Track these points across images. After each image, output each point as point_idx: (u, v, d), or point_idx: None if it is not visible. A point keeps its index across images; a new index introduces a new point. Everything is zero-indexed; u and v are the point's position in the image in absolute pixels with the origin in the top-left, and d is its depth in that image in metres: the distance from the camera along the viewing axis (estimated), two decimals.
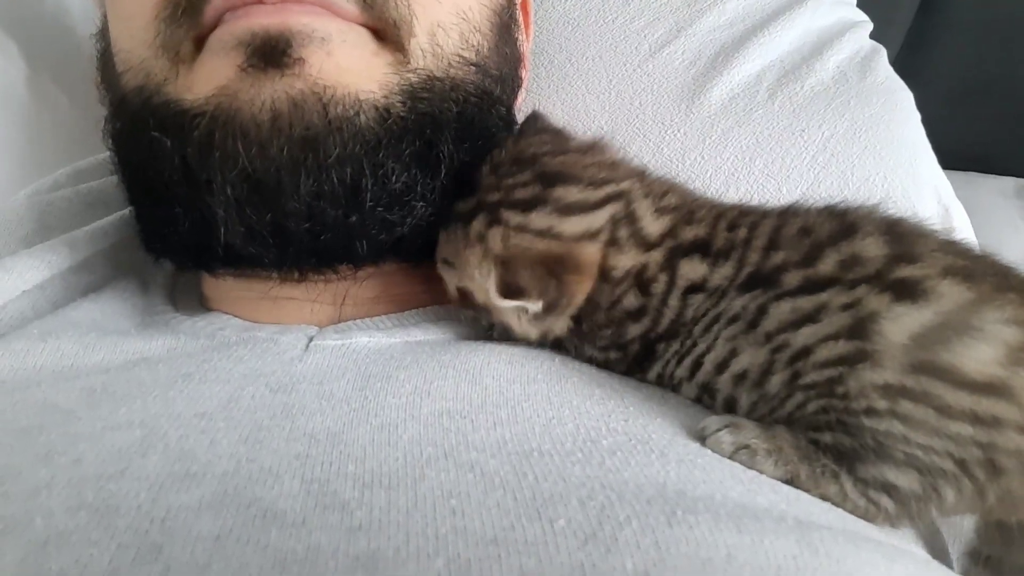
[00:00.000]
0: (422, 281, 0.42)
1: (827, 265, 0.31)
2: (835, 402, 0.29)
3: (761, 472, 0.30)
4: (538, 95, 0.57)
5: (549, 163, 0.38)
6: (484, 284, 0.35)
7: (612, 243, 0.35)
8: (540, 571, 0.22)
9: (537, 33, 0.58)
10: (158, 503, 0.25)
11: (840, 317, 0.29)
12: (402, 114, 0.37)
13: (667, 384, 0.35)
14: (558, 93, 0.57)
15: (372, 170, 0.36)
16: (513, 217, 0.35)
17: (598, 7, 0.59)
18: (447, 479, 0.26)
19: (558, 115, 0.56)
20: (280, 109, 0.34)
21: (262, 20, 0.34)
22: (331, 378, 0.33)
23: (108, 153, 0.43)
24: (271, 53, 0.34)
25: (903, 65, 0.83)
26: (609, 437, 0.29)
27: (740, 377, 0.32)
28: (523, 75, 0.50)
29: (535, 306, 0.35)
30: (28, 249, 0.41)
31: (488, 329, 0.40)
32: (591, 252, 0.35)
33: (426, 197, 0.38)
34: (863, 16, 0.62)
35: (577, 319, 0.36)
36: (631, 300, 0.35)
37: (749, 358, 0.32)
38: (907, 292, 0.29)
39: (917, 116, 0.55)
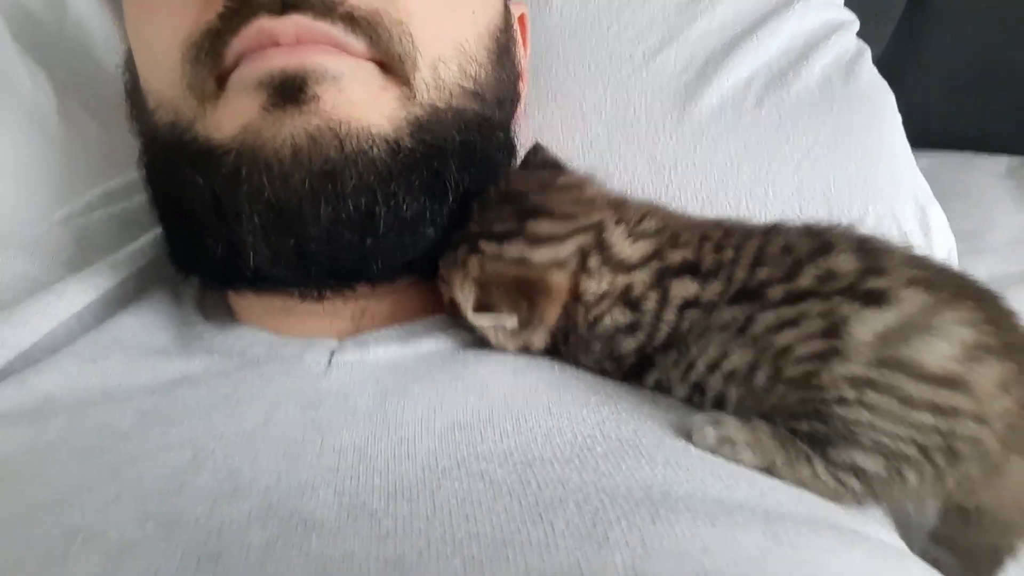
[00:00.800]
0: (432, 293, 0.46)
1: (806, 279, 0.35)
2: (811, 393, 0.33)
3: (741, 462, 0.34)
4: (536, 104, 0.59)
5: (530, 200, 0.42)
6: (466, 302, 0.40)
7: (582, 270, 0.40)
8: (542, 568, 0.26)
9: (535, 41, 0.60)
10: (213, 516, 0.29)
11: (816, 321, 0.33)
12: (410, 146, 0.40)
13: (664, 389, 0.39)
14: (556, 100, 0.60)
15: (385, 199, 0.39)
16: (489, 247, 0.41)
17: (594, 15, 0.61)
18: (460, 488, 0.30)
19: (555, 124, 0.59)
20: (300, 144, 0.38)
21: (279, 62, 0.38)
22: (353, 394, 0.37)
23: (135, 174, 0.46)
24: (289, 91, 0.37)
25: (895, 54, 0.85)
26: (603, 443, 0.33)
27: (730, 375, 0.36)
28: (521, 89, 0.53)
29: (511, 322, 0.40)
30: (76, 274, 0.45)
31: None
32: (559, 279, 0.40)
33: (435, 222, 0.42)
34: (850, 15, 0.65)
35: (564, 335, 0.41)
36: (619, 317, 0.39)
37: (738, 358, 0.36)
38: (875, 299, 0.33)
39: (898, 119, 0.57)
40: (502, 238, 0.40)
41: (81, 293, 0.44)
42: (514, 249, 0.40)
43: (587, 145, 0.57)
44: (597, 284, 0.39)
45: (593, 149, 0.56)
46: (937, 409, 0.31)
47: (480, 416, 0.35)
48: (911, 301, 0.33)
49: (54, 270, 0.47)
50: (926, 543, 0.38)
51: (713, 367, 0.37)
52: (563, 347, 0.41)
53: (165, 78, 0.41)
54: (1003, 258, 0.79)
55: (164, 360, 0.42)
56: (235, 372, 0.40)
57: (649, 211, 0.41)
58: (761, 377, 0.35)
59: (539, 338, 0.41)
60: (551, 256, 0.40)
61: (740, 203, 0.53)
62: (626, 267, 0.39)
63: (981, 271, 0.76)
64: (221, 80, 0.39)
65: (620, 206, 0.42)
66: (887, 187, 0.53)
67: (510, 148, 0.49)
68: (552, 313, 0.40)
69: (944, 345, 0.31)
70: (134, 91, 0.46)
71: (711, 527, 0.28)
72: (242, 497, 0.30)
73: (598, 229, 0.41)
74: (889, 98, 0.58)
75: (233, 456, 0.33)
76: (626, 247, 0.40)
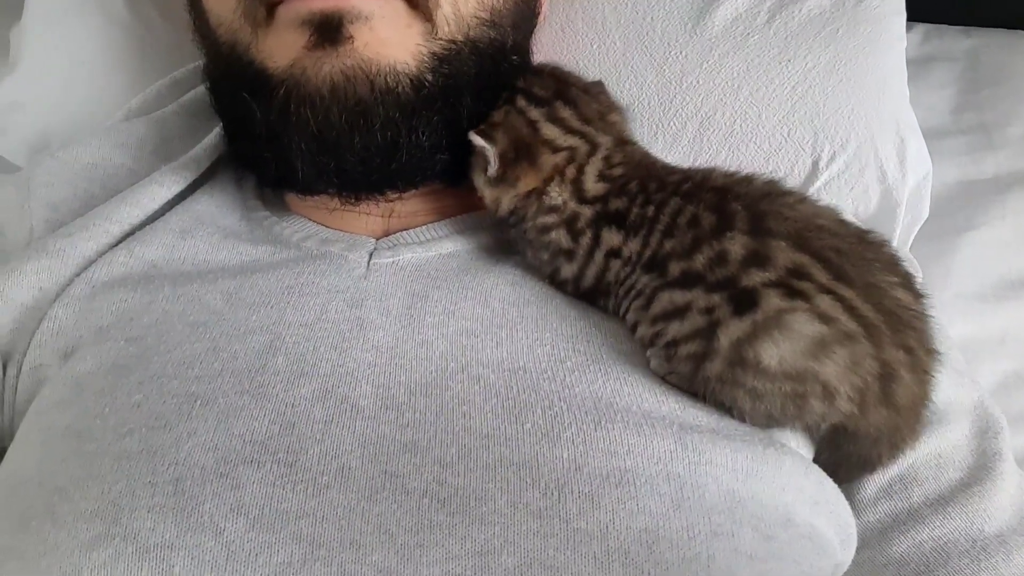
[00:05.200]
0: (450, 197, 0.54)
1: (699, 261, 0.40)
2: (695, 378, 0.41)
3: (680, 387, 0.42)
4: (562, 5, 0.62)
5: (570, 89, 0.49)
6: (476, 128, 0.47)
7: (560, 172, 0.46)
8: (511, 457, 0.38)
9: None
10: (288, 392, 0.41)
11: (698, 319, 0.40)
12: (431, 80, 0.47)
13: None
14: (580, 1, 0.63)
15: (407, 132, 0.47)
16: (520, 101, 0.48)
17: None
18: (462, 389, 0.41)
19: (577, 25, 0.62)
20: (337, 82, 0.45)
21: (319, 4, 0.44)
22: (387, 295, 0.47)
23: (197, 63, 0.54)
24: (327, 30, 0.44)
25: None
26: (573, 357, 0.43)
27: (640, 340, 0.44)
28: (542, 1, 0.57)
29: (493, 161, 0.46)
30: (169, 165, 0.54)
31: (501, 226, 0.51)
32: (546, 157, 0.47)
33: (450, 148, 0.49)
34: None
35: (517, 221, 0.48)
36: (562, 239, 0.46)
37: (643, 330, 0.43)
38: (742, 306, 0.39)
39: (902, 44, 0.59)
40: (532, 100, 0.48)
41: (175, 183, 0.54)
42: (536, 113, 0.47)
43: (603, 54, 0.60)
44: (558, 193, 0.46)
45: (608, 59, 0.60)
46: (785, 395, 0.39)
47: (483, 323, 0.45)
48: (766, 308, 0.38)
49: (144, 159, 0.57)
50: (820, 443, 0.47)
51: (633, 328, 0.44)
52: (515, 233, 0.49)
53: (223, 3, 0.48)
54: (1016, 154, 0.78)
55: (238, 243, 0.52)
56: (294, 264, 0.49)
57: (627, 159, 0.47)
58: (661, 354, 0.42)
59: (506, 202, 0.48)
60: (553, 136, 0.47)
61: (733, 125, 0.58)
62: (580, 198, 0.46)
63: (989, 169, 0.79)
64: (270, 9, 0.46)
65: (619, 145, 0.48)
66: (872, 115, 0.57)
67: (524, 67, 0.54)
68: (525, 183, 0.47)
69: (787, 345, 0.38)
70: (195, 2, 0.52)
71: (637, 434, 0.39)
72: (307, 380, 0.42)
73: (591, 149, 0.47)
74: (898, 21, 0.59)
75: (299, 343, 0.44)
76: (592, 181, 0.46)
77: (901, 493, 0.47)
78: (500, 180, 0.48)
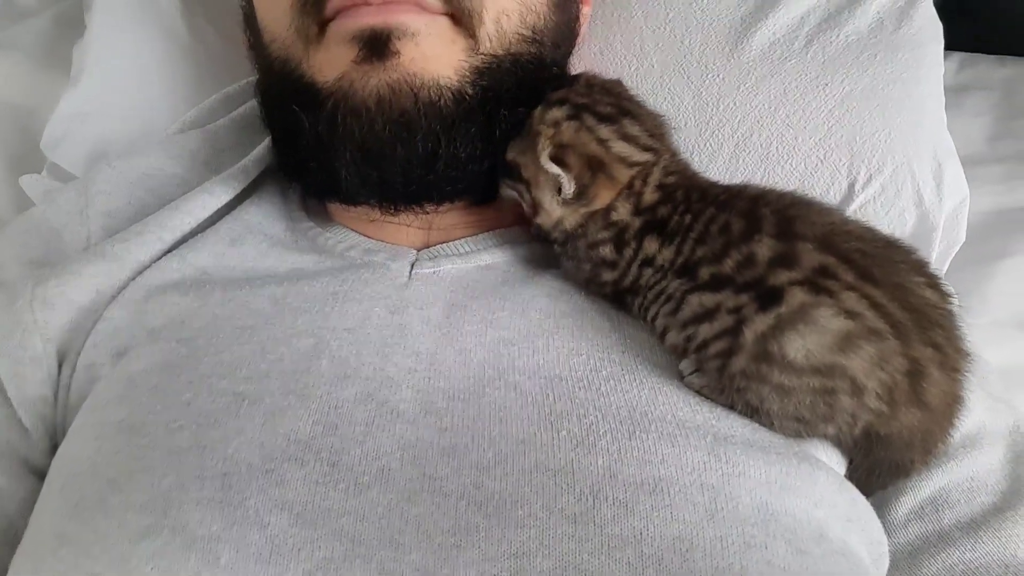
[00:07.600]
0: (486, 211, 0.56)
1: (728, 265, 0.41)
2: (723, 381, 0.42)
3: (714, 400, 0.43)
4: (600, 28, 0.64)
5: (627, 103, 0.50)
6: (543, 150, 0.46)
7: (630, 186, 0.46)
8: (547, 463, 0.39)
9: None
10: (331, 395, 0.42)
11: (727, 319, 0.41)
12: (470, 93, 0.49)
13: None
14: (619, 23, 0.64)
15: (446, 143, 0.49)
16: (588, 119, 0.47)
17: None
18: (499, 396, 0.42)
19: (616, 47, 0.64)
20: (383, 95, 0.47)
21: (368, 20, 0.46)
22: (428, 304, 0.48)
23: (248, 78, 0.56)
24: (376, 45, 0.46)
25: None
26: (608, 367, 0.44)
27: (672, 347, 0.45)
28: (584, 14, 0.59)
29: (568, 187, 0.46)
30: (219, 175, 0.57)
31: (538, 237, 0.51)
32: (623, 172, 0.47)
33: (483, 161, 0.51)
34: None
35: (575, 234, 0.48)
36: (607, 252, 0.47)
37: (673, 337, 0.44)
38: (767, 301, 0.39)
39: (940, 70, 0.60)
40: (602, 119, 0.47)
41: (224, 192, 0.56)
42: (605, 132, 0.47)
43: (641, 76, 0.62)
44: (623, 207, 0.46)
45: (646, 81, 0.61)
46: (814, 391, 0.39)
47: (520, 332, 0.46)
48: (790, 302, 0.39)
49: (195, 170, 0.59)
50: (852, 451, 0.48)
51: (662, 335, 0.45)
52: (560, 248, 0.49)
53: (278, 21, 0.50)
54: None
55: (284, 251, 0.54)
56: (339, 272, 0.51)
57: (683, 170, 0.48)
58: (693, 360, 0.43)
59: (572, 220, 0.48)
60: (627, 153, 0.47)
61: (769, 147, 0.59)
62: (636, 210, 0.46)
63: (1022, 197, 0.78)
64: (322, 26, 0.48)
65: (673, 155, 0.49)
66: (910, 140, 0.58)
67: (562, 79, 0.55)
68: (602, 198, 0.46)
69: (813, 339, 0.38)
70: (251, 20, 0.54)
71: (670, 444, 0.40)
72: (350, 383, 0.43)
73: (657, 161, 0.47)
74: (936, 47, 0.60)
75: (342, 347, 0.45)
76: (650, 191, 0.47)
77: (932, 516, 0.46)
78: (575, 199, 0.47)
